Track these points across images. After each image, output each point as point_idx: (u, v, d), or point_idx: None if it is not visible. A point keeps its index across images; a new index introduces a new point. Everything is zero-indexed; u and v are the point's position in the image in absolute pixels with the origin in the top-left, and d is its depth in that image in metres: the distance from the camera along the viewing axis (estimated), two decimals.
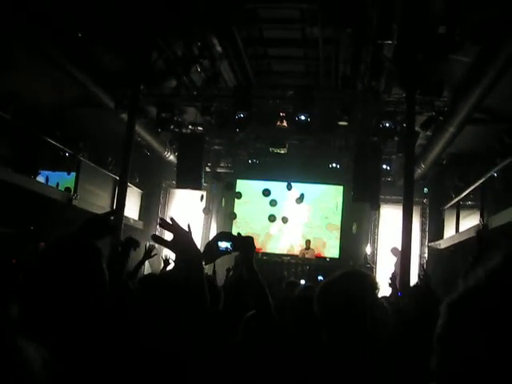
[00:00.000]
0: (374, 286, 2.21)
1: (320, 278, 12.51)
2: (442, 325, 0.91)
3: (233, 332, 2.54)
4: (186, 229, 2.11)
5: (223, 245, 2.52)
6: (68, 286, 1.69)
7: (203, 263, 2.30)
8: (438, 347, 0.92)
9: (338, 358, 2.09)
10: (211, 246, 2.53)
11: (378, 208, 16.37)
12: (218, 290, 2.63)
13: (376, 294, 2.21)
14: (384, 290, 10.15)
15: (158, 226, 17.97)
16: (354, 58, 11.01)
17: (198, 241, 17.65)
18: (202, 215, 18.17)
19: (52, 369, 1.13)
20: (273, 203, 17.85)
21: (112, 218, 2.99)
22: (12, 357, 1.06)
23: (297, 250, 16.79)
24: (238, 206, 18.07)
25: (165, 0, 9.73)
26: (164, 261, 4.85)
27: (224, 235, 2.58)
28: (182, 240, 2.07)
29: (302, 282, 9.38)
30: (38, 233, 12.52)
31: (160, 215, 18.54)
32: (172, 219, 2.13)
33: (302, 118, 12.08)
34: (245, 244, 2.54)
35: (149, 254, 4.75)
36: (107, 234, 2.44)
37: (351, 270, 2.31)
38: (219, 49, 11.35)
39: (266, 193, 17.39)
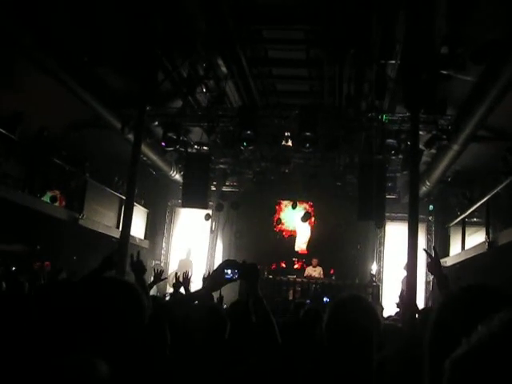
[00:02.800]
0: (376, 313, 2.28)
1: (325, 299, 12.49)
2: (445, 381, 0.93)
3: (240, 359, 2.57)
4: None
5: (229, 272, 2.57)
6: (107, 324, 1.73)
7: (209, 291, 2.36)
8: None
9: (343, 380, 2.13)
10: (217, 273, 2.58)
11: (382, 226, 16.37)
12: (223, 318, 2.67)
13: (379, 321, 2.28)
14: (389, 309, 10.12)
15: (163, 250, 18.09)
16: (358, 77, 11.10)
17: (204, 260, 17.70)
18: (208, 234, 18.20)
19: None
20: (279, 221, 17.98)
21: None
22: None
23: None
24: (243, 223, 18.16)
25: (170, 21, 9.87)
26: (155, 274, 4.77)
27: (229, 263, 2.63)
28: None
29: (308, 302, 9.39)
30: (44, 252, 12.60)
31: (166, 234, 18.60)
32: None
33: (307, 136, 12.15)
34: (250, 271, 2.59)
35: (159, 277, 4.73)
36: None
37: (354, 297, 2.38)
38: (224, 69, 11.48)
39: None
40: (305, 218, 17.72)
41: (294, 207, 17.63)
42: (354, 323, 2.22)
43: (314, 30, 10.09)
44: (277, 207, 18.47)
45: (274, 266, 17.10)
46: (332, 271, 16.31)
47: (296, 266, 17.56)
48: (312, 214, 17.83)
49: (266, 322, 2.46)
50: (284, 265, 17.49)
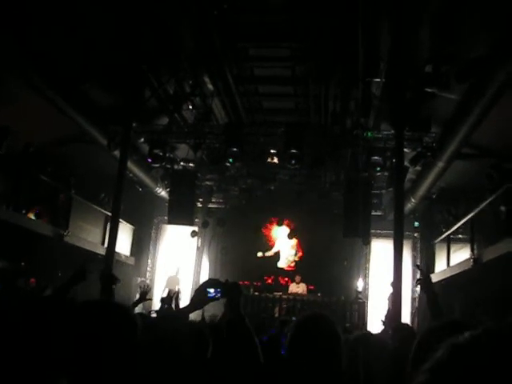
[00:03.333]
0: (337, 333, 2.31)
1: None
2: None
3: (222, 378, 2.56)
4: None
5: (212, 291, 2.58)
6: (98, 347, 1.72)
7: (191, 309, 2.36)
8: None
9: None
10: (200, 292, 2.58)
11: (368, 243, 16.42)
12: (205, 337, 2.66)
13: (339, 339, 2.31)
14: (375, 326, 10.11)
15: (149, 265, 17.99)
16: (343, 95, 11.20)
17: (190, 276, 17.62)
18: (194, 251, 18.13)
19: None
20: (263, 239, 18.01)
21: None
22: None
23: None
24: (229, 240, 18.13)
25: (157, 38, 9.91)
26: (141, 292, 4.69)
27: (212, 282, 2.65)
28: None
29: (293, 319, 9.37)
30: (29, 268, 12.47)
31: (151, 251, 18.50)
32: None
33: (293, 154, 12.22)
34: (232, 290, 2.59)
35: (144, 296, 4.68)
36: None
37: (315, 314, 2.43)
38: (210, 86, 11.54)
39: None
40: (291, 235, 17.78)
41: (279, 224, 17.70)
42: (313, 341, 2.25)
43: (299, 48, 10.19)
44: (267, 225, 18.43)
45: (259, 283, 17.08)
46: (312, 287, 16.30)
47: (281, 282, 17.52)
48: (295, 232, 17.90)
49: (248, 341, 2.46)
50: (271, 281, 17.47)
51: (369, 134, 11.78)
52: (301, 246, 18.09)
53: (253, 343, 2.44)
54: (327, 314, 2.48)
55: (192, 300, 2.60)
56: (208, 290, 2.57)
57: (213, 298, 2.58)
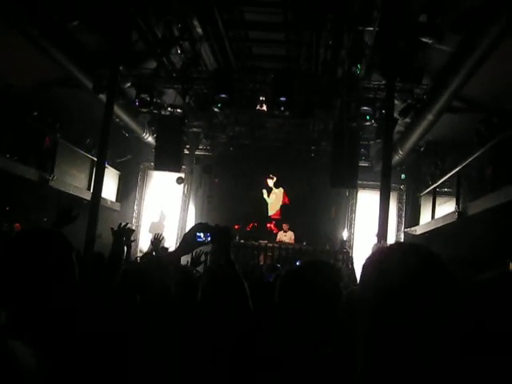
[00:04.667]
0: (336, 277, 2.28)
1: (297, 263, 12.60)
2: None
3: (211, 323, 2.56)
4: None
5: (201, 235, 2.54)
6: (35, 276, 1.68)
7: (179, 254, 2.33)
8: None
9: (295, 345, 2.12)
10: (189, 236, 2.55)
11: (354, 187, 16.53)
12: (194, 281, 2.65)
13: (338, 284, 2.28)
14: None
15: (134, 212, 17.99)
16: (335, 43, 11.00)
17: (176, 223, 17.66)
18: (180, 198, 18.12)
19: (42, 367, 1.14)
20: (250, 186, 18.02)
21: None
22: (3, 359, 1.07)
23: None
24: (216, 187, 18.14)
25: None
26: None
27: (202, 226, 2.60)
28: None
29: (278, 265, 9.47)
30: (13, 213, 12.41)
31: (138, 197, 18.46)
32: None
33: (282, 101, 12.09)
34: (222, 235, 2.56)
35: (129, 237, 4.62)
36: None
37: (313, 260, 2.40)
38: (200, 31, 11.26)
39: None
40: (277, 184, 17.89)
41: (276, 186, 17.83)
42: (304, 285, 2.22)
43: None
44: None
45: (250, 226, 17.21)
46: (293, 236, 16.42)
47: (269, 226, 17.65)
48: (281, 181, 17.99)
49: (238, 286, 2.45)
50: (256, 224, 17.57)
51: (358, 67, 11.37)
52: (287, 194, 18.12)
53: (242, 289, 2.44)
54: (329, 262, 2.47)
55: (181, 244, 2.57)
56: (198, 234, 2.54)
57: (202, 243, 2.55)
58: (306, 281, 2.23)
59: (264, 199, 18.08)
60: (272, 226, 17.73)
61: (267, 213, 18.09)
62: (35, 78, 12.46)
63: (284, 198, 18.16)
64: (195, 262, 5.30)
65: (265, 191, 18.10)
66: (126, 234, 3.97)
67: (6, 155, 11.47)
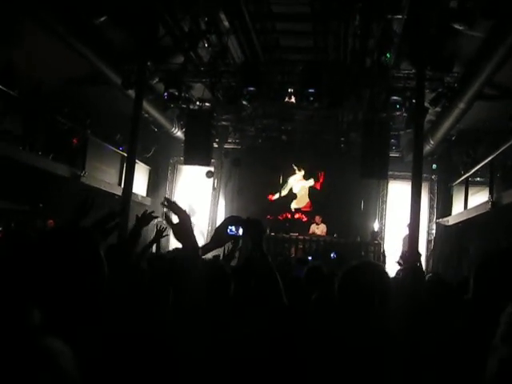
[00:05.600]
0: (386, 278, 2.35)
1: (333, 255, 12.55)
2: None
3: (245, 319, 2.54)
4: (188, 212, 2.11)
5: (233, 228, 2.52)
6: (63, 275, 1.67)
7: (204, 250, 2.32)
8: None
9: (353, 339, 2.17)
10: (220, 230, 2.53)
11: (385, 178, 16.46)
12: (227, 276, 2.63)
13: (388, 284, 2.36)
14: (390, 267, 10.16)
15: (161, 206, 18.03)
16: (363, 32, 10.86)
17: (206, 218, 17.72)
18: (210, 192, 18.16)
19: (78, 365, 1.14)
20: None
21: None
22: (40, 357, 1.07)
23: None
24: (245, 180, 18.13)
25: None
26: (157, 231, 4.54)
27: (233, 219, 2.58)
28: (183, 224, 2.08)
29: (309, 258, 9.42)
30: (46, 210, 12.58)
31: (168, 191, 18.56)
32: (169, 200, 2.13)
33: (310, 93, 12.01)
34: (254, 228, 2.53)
35: (161, 234, 4.59)
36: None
37: (366, 262, 2.48)
38: (226, 24, 11.23)
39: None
40: (307, 176, 17.82)
41: (306, 178, 17.75)
42: (367, 286, 2.30)
43: None
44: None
45: (283, 216, 17.19)
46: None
47: (298, 217, 17.61)
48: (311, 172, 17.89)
49: (271, 280, 2.42)
50: (289, 216, 17.55)
51: (388, 55, 11.22)
52: (318, 185, 18.00)
53: (276, 282, 2.41)
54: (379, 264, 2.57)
55: (213, 238, 2.55)
56: (229, 227, 2.52)
57: (234, 236, 2.54)
58: (364, 280, 2.32)
59: (291, 190, 18.02)
60: (303, 216, 17.67)
61: (291, 203, 18.01)
62: (65, 75, 12.59)
63: (316, 184, 17.99)
64: (228, 256, 5.28)
65: (291, 181, 18.06)
66: (147, 222, 3.91)
67: (38, 152, 11.63)
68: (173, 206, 2.10)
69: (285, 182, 18.11)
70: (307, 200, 18.05)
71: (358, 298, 2.29)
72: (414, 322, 2.82)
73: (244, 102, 12.94)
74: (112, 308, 1.96)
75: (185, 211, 2.12)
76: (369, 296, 2.26)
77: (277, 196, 18.02)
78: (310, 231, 16.04)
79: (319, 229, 16.08)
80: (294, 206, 18.00)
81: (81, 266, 1.71)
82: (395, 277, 4.28)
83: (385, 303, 2.28)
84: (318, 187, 17.92)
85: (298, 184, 18.13)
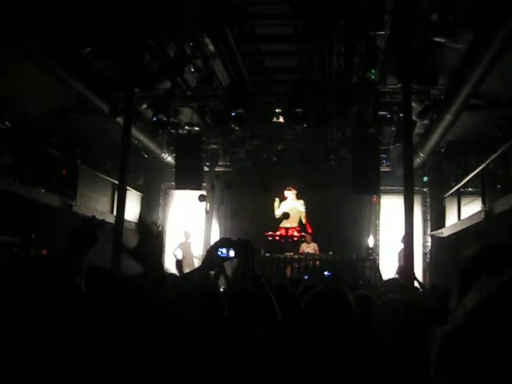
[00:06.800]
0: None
1: (326, 273, 12.51)
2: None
3: (240, 338, 2.51)
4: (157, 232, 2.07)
5: (224, 251, 2.50)
6: (36, 304, 1.66)
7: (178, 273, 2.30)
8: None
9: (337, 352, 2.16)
10: (211, 252, 2.51)
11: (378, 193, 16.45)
12: (219, 298, 2.60)
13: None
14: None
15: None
16: (347, 50, 10.95)
17: (200, 241, 17.64)
18: (203, 215, 18.11)
19: None
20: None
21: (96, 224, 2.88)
22: None
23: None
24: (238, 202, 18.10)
25: (154, 1, 9.68)
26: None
27: (224, 241, 2.56)
28: (144, 246, 2.01)
29: (306, 277, 9.37)
30: (39, 240, 12.50)
31: (160, 217, 18.51)
32: (138, 222, 2.08)
33: (298, 113, 12.06)
34: (245, 249, 2.51)
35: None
36: (92, 243, 2.38)
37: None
38: (211, 48, 11.30)
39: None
40: (298, 196, 17.83)
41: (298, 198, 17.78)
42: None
43: (299, 3, 9.90)
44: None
45: (278, 233, 17.14)
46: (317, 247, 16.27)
47: (290, 235, 17.54)
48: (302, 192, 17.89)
49: (265, 300, 2.40)
50: (284, 232, 17.49)
51: (372, 72, 11.33)
52: (308, 206, 17.96)
53: (270, 301, 2.39)
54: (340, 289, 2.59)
55: (204, 261, 2.53)
56: (220, 249, 2.50)
57: (226, 258, 2.51)
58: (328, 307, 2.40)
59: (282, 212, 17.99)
60: (294, 233, 17.62)
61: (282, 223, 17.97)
62: (52, 105, 12.60)
63: (305, 218, 17.98)
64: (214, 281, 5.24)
65: (277, 203, 18.06)
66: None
67: (28, 184, 11.59)
68: (139, 226, 2.05)
69: (277, 201, 18.10)
70: (297, 220, 18.00)
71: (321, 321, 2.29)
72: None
73: (233, 125, 12.97)
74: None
75: (153, 232, 2.06)
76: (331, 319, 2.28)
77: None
78: (301, 250, 15.95)
79: (310, 247, 16.00)
80: (284, 225, 17.94)
81: (54, 294, 1.69)
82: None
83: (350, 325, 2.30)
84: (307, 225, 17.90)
85: (291, 205, 18.10)
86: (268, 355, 2.25)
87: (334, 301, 2.36)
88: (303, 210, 17.99)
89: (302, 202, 18.03)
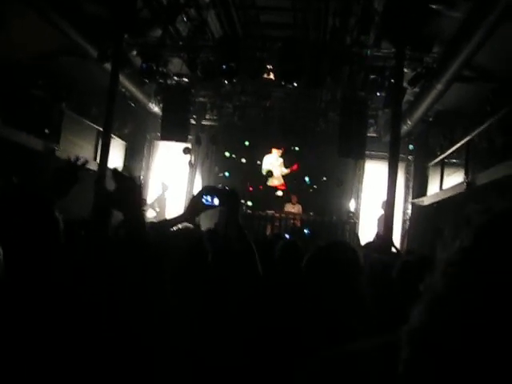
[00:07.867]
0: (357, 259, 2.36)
1: (306, 230, 12.66)
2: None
3: (221, 288, 2.52)
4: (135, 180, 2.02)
5: (208, 199, 2.48)
6: (14, 237, 1.65)
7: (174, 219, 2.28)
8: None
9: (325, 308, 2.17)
10: (196, 200, 2.50)
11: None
12: (203, 243, 2.60)
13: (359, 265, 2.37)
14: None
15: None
16: (344, 10, 10.79)
17: (183, 195, 17.62)
18: (187, 169, 18.04)
19: None
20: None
21: (81, 163, 2.85)
22: None
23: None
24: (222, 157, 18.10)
25: None
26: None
27: (209, 189, 2.54)
28: (123, 192, 1.98)
29: (287, 236, 9.45)
30: (20, 183, 12.40)
31: (144, 167, 18.41)
32: (113, 170, 2.06)
33: (289, 71, 11.93)
34: (230, 198, 2.51)
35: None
36: (73, 183, 2.39)
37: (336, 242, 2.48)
38: None
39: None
40: (283, 154, 17.83)
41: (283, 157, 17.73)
42: (334, 266, 2.28)
43: None
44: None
45: (251, 189, 17.16)
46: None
47: (279, 193, 17.61)
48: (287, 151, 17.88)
49: (248, 251, 2.40)
50: (261, 187, 17.55)
51: (368, 52, 11.40)
52: (292, 163, 17.97)
53: (252, 253, 2.39)
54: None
55: (187, 208, 2.52)
56: (205, 197, 2.48)
57: (210, 206, 2.50)
58: (333, 259, 2.30)
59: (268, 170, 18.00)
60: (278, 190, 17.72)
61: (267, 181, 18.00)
62: (40, 48, 12.31)
63: (293, 166, 17.97)
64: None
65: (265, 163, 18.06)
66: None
67: (11, 125, 11.41)
68: (114, 174, 2.03)
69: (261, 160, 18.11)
70: (282, 181, 18.06)
71: (328, 274, 2.27)
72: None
73: (222, 79, 12.81)
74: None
75: (129, 178, 2.03)
76: (341, 272, 2.25)
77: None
78: (285, 210, 16.05)
79: (295, 209, 16.10)
80: (269, 183, 17.99)
81: (31, 226, 1.68)
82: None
83: (357, 279, 2.28)
84: (296, 168, 17.89)
85: (275, 167, 18.10)
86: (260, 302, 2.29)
87: (345, 256, 2.33)
88: (286, 170, 18.02)
89: (282, 160, 18.06)
